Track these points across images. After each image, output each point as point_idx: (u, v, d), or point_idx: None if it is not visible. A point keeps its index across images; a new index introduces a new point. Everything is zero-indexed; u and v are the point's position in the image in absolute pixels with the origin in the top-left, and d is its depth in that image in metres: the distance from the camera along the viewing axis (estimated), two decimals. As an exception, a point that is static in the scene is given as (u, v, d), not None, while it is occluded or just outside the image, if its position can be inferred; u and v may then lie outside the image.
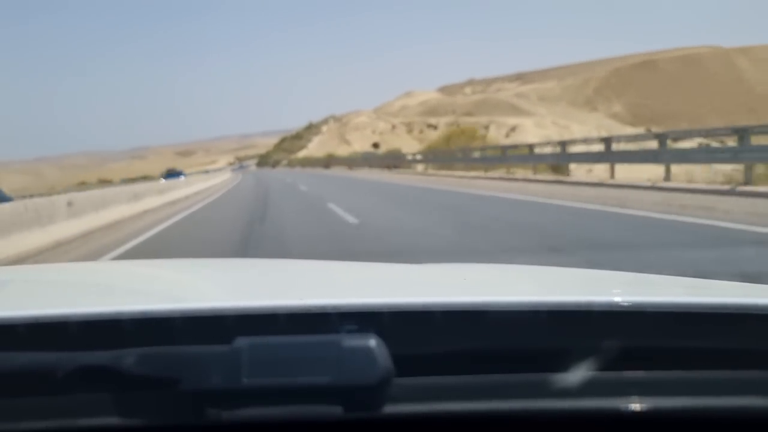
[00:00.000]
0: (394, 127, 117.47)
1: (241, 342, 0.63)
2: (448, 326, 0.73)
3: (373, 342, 0.63)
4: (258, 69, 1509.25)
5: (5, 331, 0.70)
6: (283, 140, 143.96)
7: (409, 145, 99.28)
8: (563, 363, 0.69)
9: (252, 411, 0.63)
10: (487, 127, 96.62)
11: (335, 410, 0.63)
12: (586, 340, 0.72)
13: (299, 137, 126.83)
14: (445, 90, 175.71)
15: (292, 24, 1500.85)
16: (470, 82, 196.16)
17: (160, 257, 6.39)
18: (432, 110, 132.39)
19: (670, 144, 16.95)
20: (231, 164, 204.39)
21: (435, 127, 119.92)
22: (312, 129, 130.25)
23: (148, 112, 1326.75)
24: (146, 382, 0.62)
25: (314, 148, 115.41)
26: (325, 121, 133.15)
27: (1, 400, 0.66)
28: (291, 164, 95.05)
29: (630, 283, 1.18)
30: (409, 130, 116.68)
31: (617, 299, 0.76)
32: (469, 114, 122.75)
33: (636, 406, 0.67)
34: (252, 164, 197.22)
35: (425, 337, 0.72)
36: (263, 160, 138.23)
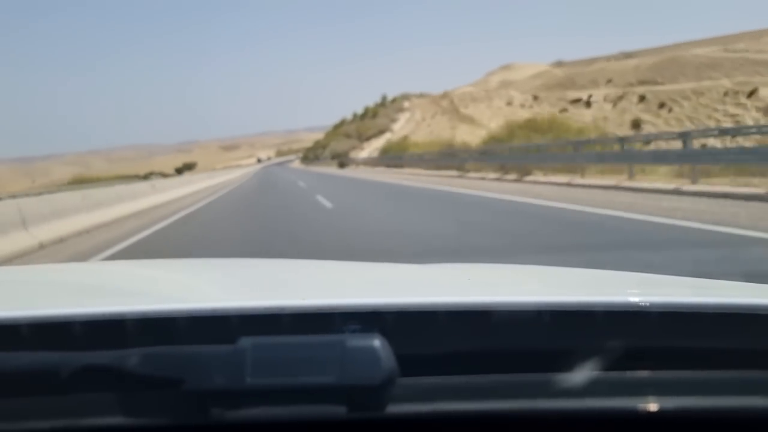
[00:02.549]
0: (536, 98, 66.48)
1: (245, 342, 0.61)
2: (452, 326, 0.71)
3: (376, 342, 0.61)
4: (305, 64, 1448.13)
5: (9, 331, 0.68)
6: (341, 123, 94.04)
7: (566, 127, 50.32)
8: (568, 363, 0.67)
9: (255, 411, 0.61)
10: (752, 94, 50.39)
11: (339, 410, 0.61)
12: (590, 340, 0.70)
13: (374, 115, 77.02)
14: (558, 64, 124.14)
15: (335, 19, 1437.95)
16: (559, 64, 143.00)
17: None
18: (563, 83, 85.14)
19: None
20: (260, 161, 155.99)
21: (587, 103, 74.37)
22: (389, 105, 79.27)
23: (197, 108, 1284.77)
24: (150, 382, 0.61)
25: (403, 130, 65.80)
26: (405, 97, 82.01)
27: (6, 400, 0.64)
28: (391, 160, 41.32)
29: (635, 283, 1.12)
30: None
31: (622, 299, 0.74)
32: (649, 82, 75.93)
33: (641, 406, 0.65)
34: (295, 159, 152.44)
35: (429, 337, 0.70)
36: (311, 154, 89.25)
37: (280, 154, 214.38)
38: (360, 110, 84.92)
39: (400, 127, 67.20)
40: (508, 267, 1.49)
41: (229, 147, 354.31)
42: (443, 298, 0.77)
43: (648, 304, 0.71)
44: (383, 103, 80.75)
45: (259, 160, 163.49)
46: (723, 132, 14.44)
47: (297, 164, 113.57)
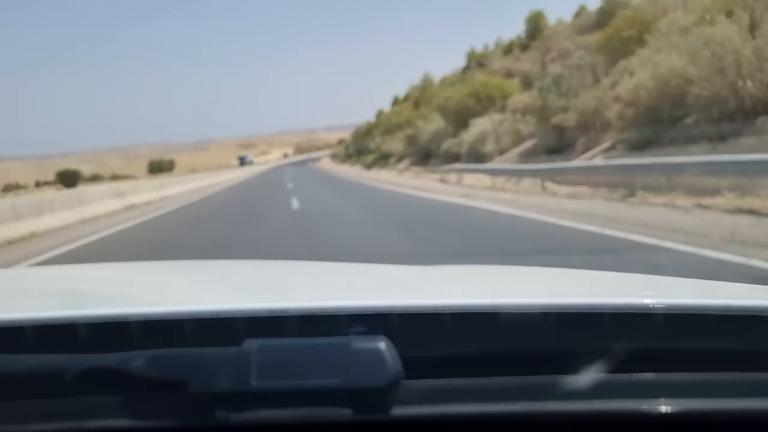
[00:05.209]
0: None
1: (250, 344, 0.59)
2: (457, 328, 0.68)
3: (382, 344, 0.59)
4: (324, 63, 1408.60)
5: (14, 333, 0.66)
6: (467, 68, 42.20)
7: None
8: (573, 365, 0.65)
9: (261, 413, 0.59)
10: None
11: (344, 412, 0.59)
12: (596, 342, 0.67)
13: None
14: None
15: (352, 17, 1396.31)
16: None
17: None
18: None
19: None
20: (243, 162, 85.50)
21: None
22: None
23: (215, 106, 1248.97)
24: (155, 384, 0.59)
25: None
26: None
27: (11, 402, 0.62)
28: None
29: (640, 284, 1.07)
30: None
31: (628, 301, 0.72)
32: None
33: (648, 408, 0.63)
34: (322, 156, 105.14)
35: (435, 339, 0.67)
36: (393, 140, 34.60)
37: (299, 151, 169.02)
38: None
39: None
40: (514, 269, 1.41)
41: (246, 145, 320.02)
42: (449, 300, 0.74)
43: (654, 305, 0.69)
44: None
45: (242, 162, 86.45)
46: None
47: (326, 163, 66.30)
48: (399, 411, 0.60)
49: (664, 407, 0.63)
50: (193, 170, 64.43)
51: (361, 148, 46.38)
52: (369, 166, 35.48)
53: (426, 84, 44.01)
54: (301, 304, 0.68)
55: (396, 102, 54.11)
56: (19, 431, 0.61)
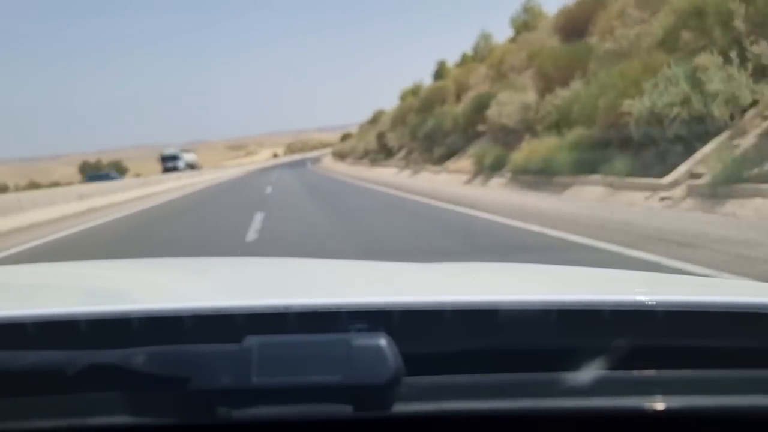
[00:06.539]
0: None
1: (251, 341, 0.58)
2: (458, 325, 0.67)
3: (383, 341, 0.58)
4: (316, 64, 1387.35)
5: (15, 329, 0.65)
6: None
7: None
8: (574, 362, 0.63)
9: (262, 410, 0.59)
10: None
11: (345, 409, 0.58)
12: (597, 339, 0.66)
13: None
14: None
15: (347, 18, 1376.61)
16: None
17: None
18: None
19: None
20: (173, 164, 44.30)
21: None
22: None
23: (204, 107, 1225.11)
24: (156, 381, 0.58)
25: None
26: None
27: (12, 399, 0.61)
28: None
29: (640, 281, 1.07)
30: None
31: (629, 298, 0.70)
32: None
33: (648, 405, 0.62)
34: (321, 157, 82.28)
35: (435, 336, 0.67)
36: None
37: (291, 151, 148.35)
38: None
39: None
40: (514, 266, 1.40)
41: (236, 146, 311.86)
42: (450, 296, 0.73)
43: (655, 302, 0.68)
44: None
45: (166, 168, 45.20)
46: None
47: (335, 165, 45.73)
48: (400, 408, 0.59)
49: (666, 404, 0.62)
50: (138, 175, 44.72)
51: (432, 133, 22.05)
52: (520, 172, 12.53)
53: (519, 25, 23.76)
54: (302, 300, 0.67)
55: (441, 74, 33.68)
56: (21, 428, 0.60)
